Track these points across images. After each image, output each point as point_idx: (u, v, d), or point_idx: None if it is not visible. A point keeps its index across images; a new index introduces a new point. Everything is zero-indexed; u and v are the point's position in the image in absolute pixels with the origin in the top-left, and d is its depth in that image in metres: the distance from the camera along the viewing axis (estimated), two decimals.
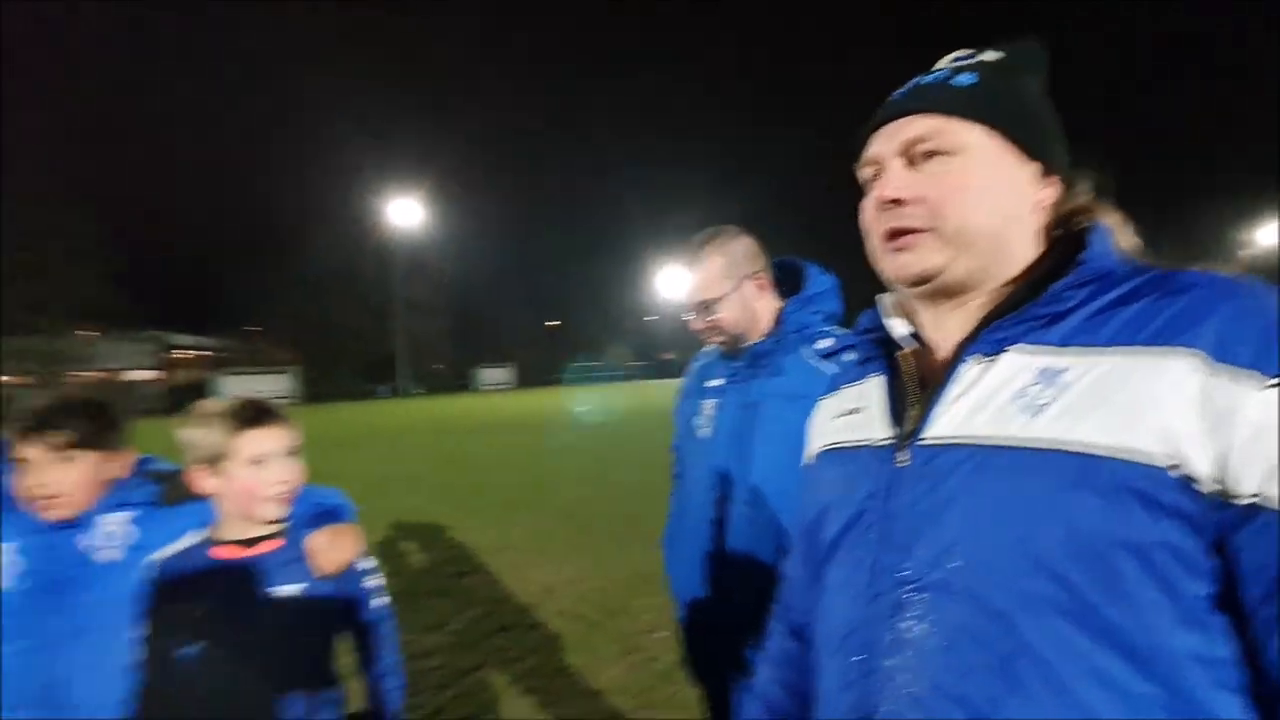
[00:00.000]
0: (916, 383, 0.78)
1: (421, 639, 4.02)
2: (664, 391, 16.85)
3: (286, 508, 1.37)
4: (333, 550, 1.38)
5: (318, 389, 44.70)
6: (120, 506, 1.50)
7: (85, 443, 1.44)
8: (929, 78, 0.78)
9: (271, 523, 1.36)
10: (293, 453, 1.37)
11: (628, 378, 60.19)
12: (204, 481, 1.32)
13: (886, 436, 0.77)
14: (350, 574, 1.43)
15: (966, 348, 0.72)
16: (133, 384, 41.96)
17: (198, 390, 33.62)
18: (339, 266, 50.67)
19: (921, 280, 0.74)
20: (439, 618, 4.38)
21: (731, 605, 1.57)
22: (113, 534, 1.46)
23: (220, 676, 1.25)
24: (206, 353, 51.48)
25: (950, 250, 0.72)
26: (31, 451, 1.40)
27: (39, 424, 1.41)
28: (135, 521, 1.49)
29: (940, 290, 0.75)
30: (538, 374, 56.83)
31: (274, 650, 1.30)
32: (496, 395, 33.93)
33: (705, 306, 1.66)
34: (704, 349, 1.89)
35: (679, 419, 1.90)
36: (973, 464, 0.66)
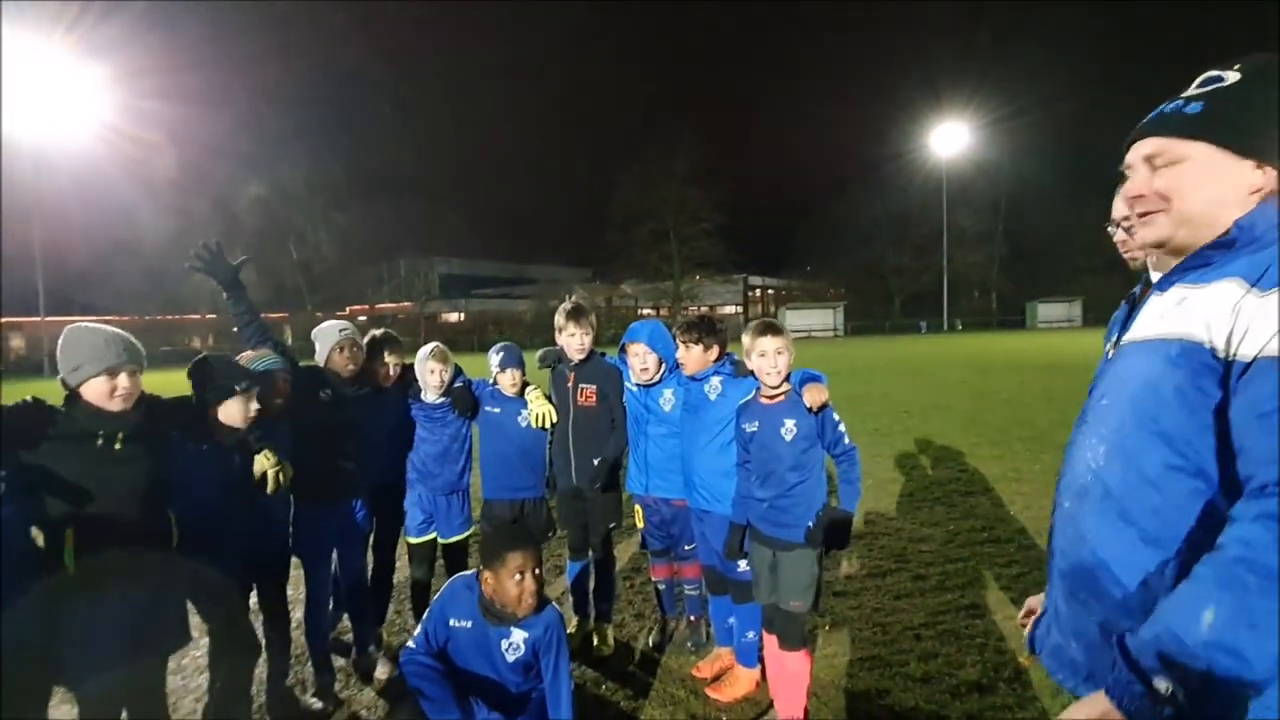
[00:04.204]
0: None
1: (918, 529, 4.78)
2: None
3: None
4: (815, 393, 2.35)
5: (863, 323, 48.27)
6: (715, 374, 2.80)
7: (699, 341, 2.75)
8: (1168, 107, 1.11)
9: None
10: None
11: None
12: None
13: (1114, 344, 1.21)
14: (828, 415, 2.38)
15: (1156, 286, 1.12)
16: (725, 316, 54.03)
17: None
18: (884, 208, 52.38)
19: (1156, 245, 1.12)
20: (935, 518, 5.04)
21: None
22: (716, 386, 2.79)
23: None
24: (775, 290, 61.59)
25: (1173, 226, 1.08)
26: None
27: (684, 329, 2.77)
28: (722, 381, 2.78)
29: (1169, 251, 1.11)
30: (1110, 311, 46.97)
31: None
32: (1054, 334, 29.97)
33: None
34: None
35: None
36: (1128, 350, 1.10)
